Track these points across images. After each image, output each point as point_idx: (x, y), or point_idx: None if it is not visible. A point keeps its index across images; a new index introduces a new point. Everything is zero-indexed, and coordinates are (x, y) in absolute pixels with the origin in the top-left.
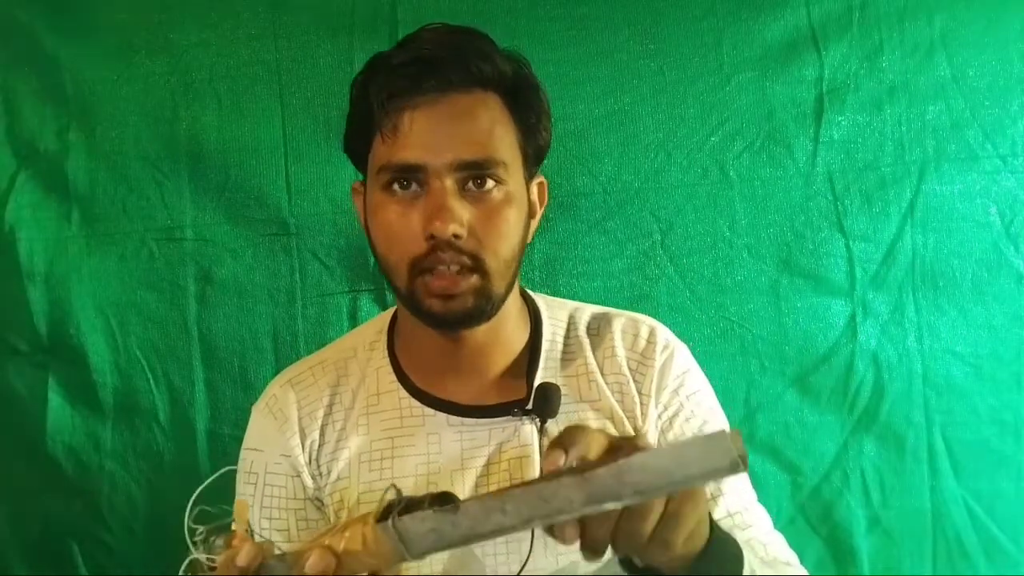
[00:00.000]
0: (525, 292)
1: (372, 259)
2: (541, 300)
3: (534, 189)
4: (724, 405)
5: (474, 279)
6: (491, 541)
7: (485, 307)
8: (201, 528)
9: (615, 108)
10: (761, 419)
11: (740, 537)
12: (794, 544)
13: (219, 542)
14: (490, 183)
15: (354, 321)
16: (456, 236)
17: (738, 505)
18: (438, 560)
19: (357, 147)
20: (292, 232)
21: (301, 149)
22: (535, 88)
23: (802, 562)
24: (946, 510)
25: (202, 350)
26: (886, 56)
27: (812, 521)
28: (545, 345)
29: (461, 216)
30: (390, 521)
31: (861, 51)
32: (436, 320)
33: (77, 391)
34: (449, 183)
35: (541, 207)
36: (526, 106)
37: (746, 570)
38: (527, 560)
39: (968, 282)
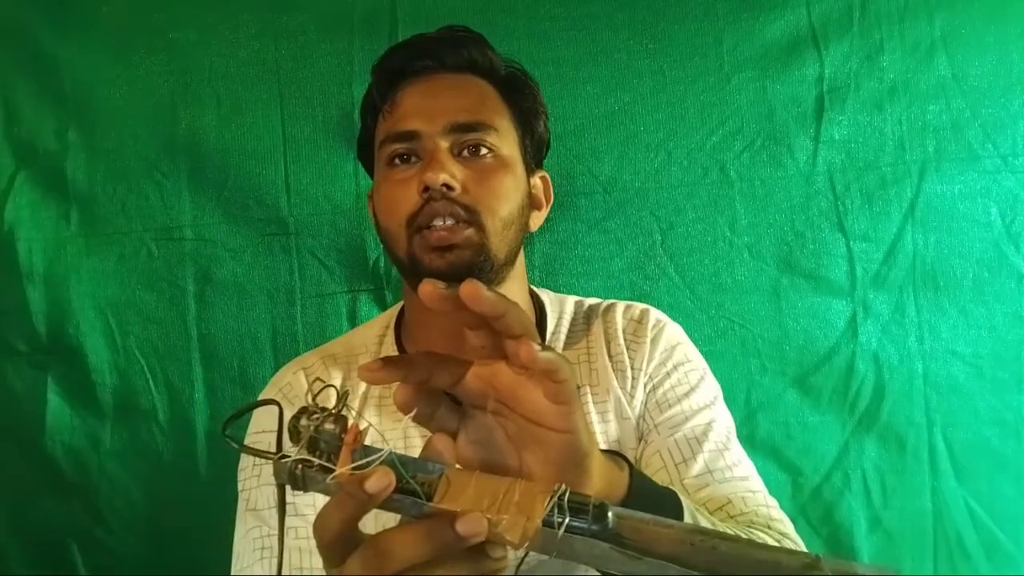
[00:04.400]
0: (532, 289)
1: (371, 259)
2: (545, 295)
3: (538, 183)
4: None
5: (470, 232)
6: None
7: (484, 265)
8: (315, 411)
9: (615, 108)
10: (761, 419)
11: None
12: None
13: (328, 427)
14: (484, 150)
15: (353, 321)
16: (449, 187)
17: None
18: None
19: (367, 146)
20: (291, 232)
21: (300, 149)
22: (528, 85)
23: None
24: (947, 511)
25: (201, 350)
26: (886, 56)
27: (813, 522)
28: (548, 332)
29: (453, 170)
30: (558, 532)
31: (861, 51)
32: (437, 279)
33: (76, 391)
34: (443, 145)
35: (548, 202)
36: (519, 96)
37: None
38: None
39: (969, 282)
